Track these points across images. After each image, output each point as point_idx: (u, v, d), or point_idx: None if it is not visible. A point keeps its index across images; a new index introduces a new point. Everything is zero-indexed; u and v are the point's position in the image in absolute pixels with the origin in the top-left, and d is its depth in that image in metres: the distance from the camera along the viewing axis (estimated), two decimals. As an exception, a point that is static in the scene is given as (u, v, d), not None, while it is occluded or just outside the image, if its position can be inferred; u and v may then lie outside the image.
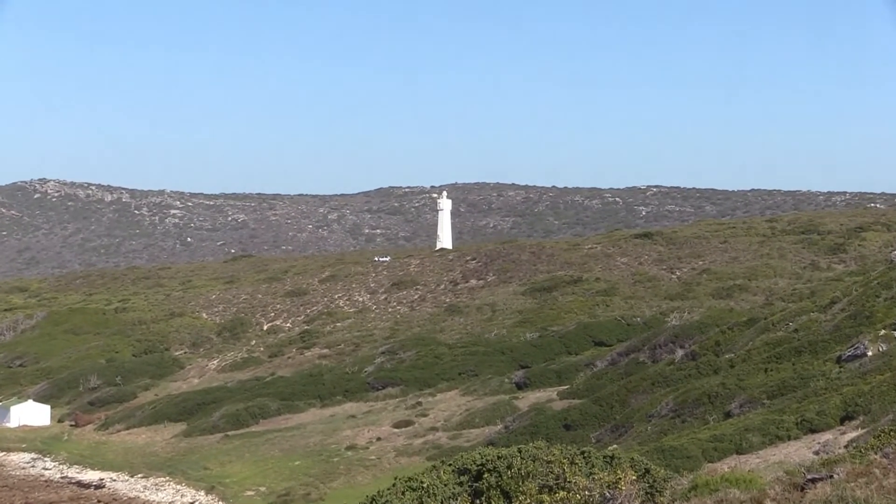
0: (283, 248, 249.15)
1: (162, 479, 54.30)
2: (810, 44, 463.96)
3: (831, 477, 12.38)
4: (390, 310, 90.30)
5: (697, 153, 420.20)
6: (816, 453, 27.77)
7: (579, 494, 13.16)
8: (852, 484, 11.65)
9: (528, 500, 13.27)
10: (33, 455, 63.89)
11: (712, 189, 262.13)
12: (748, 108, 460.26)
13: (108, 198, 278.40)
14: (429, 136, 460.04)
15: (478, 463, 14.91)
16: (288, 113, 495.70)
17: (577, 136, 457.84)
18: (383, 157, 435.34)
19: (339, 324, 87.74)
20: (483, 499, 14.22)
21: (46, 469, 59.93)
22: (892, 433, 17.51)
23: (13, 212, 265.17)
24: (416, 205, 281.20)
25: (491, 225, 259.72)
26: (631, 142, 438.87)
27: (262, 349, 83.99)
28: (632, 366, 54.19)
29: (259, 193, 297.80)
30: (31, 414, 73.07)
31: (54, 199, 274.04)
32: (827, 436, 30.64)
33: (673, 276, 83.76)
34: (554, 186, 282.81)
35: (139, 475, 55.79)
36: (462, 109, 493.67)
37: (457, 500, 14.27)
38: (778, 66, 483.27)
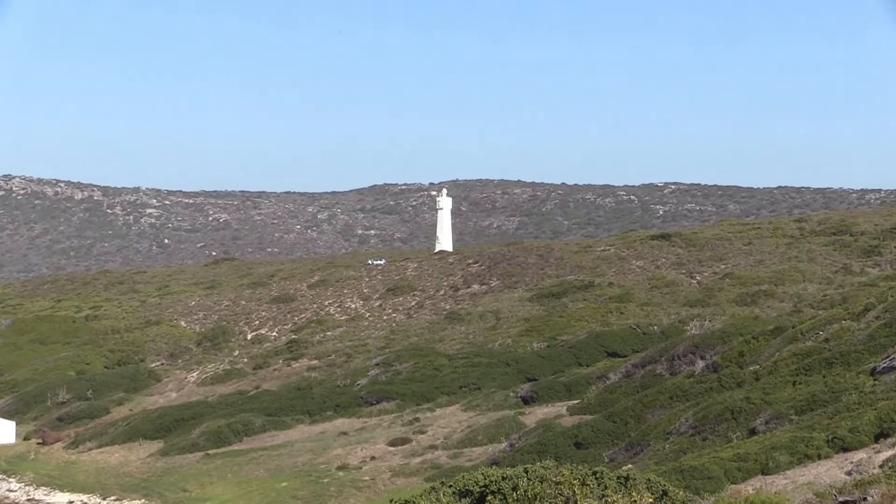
0: (269, 250, 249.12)
1: (137, 501, 54.30)
2: (844, 29, 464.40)
3: (864, 499, 12.42)
4: (385, 317, 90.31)
5: (719, 147, 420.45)
6: (849, 474, 27.79)
7: (591, 518, 13.19)
8: (887, 507, 11.67)
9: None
10: (-3, 476, 63.87)
11: (736, 186, 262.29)
12: (774, 98, 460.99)
13: (79, 196, 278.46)
14: (427, 129, 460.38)
15: (480, 484, 14.92)
16: (274, 103, 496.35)
17: (588, 129, 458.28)
18: (378, 151, 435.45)
19: (329, 333, 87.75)
20: (486, 523, 14.24)
21: (11, 491, 59.89)
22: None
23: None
24: (414, 203, 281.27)
25: (495, 225, 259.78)
26: (647, 135, 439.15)
27: (245, 360, 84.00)
28: (648, 378, 54.19)
29: (242, 191, 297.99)
30: (-5, 431, 73.04)
31: (20, 198, 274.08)
32: (860, 455, 30.64)
33: (693, 281, 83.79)
34: (563, 183, 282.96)
35: (112, 497, 55.78)
36: (464, 99, 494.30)
37: (458, 524, 14.29)
38: (808, 50, 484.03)
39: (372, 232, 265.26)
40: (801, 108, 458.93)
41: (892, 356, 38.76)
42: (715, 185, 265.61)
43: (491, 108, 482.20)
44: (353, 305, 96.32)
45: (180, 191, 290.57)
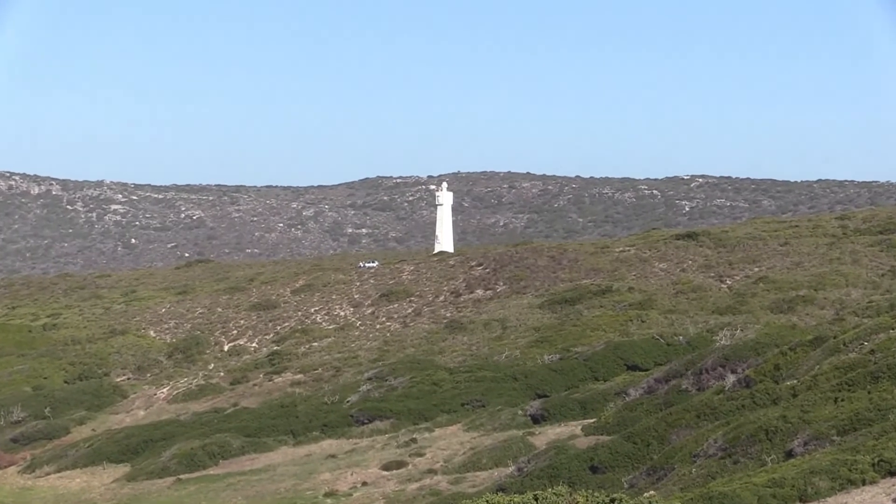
0: (248, 251, 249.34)
1: (100, 532, 54.27)
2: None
3: (914, 530, 12.45)
4: (378, 326, 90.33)
5: (752, 136, 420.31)
6: (897, 501, 27.79)
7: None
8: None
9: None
10: (-56, 503, 63.86)
11: (771, 179, 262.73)
12: (812, 81, 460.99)
13: (36, 190, 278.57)
14: (425, 115, 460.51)
15: (485, 513, 14.98)
16: (254, 87, 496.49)
17: (605, 115, 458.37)
18: (370, 139, 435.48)
19: (315, 343, 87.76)
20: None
21: (-41, 521, 59.86)
22: None
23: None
24: (410, 198, 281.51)
25: (501, 223, 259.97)
26: (671, 122, 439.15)
27: (222, 374, 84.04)
28: (672, 395, 54.20)
29: (218, 185, 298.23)
30: (-59, 453, 73.05)
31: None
32: (910, 480, 30.64)
33: (723, 286, 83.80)
34: (578, 176, 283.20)
35: (72, 528, 55.76)
36: (466, 82, 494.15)
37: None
38: (854, 28, 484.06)
39: (363, 231, 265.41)
40: (843, 92, 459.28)
41: (945, 370, 38.67)
42: (747, 179, 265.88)
43: (497, 92, 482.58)
44: (342, 313, 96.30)
45: (149, 185, 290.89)
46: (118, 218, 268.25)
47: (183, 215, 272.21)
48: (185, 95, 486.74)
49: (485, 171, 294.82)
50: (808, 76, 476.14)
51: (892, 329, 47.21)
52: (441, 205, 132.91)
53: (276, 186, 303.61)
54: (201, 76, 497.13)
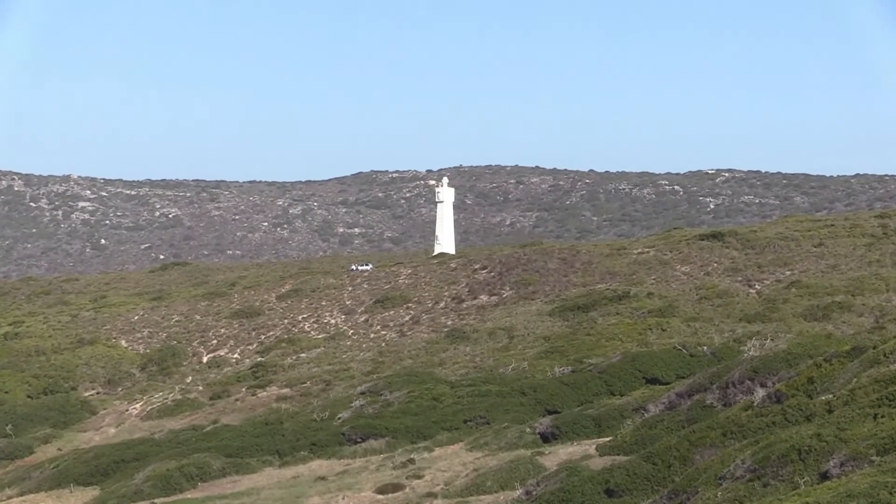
0: (229, 252, 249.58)
1: (67, 562, 54.33)
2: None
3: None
4: (373, 336, 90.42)
5: (783, 126, 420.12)
6: (943, 528, 27.80)
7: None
8: None
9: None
10: None
11: (804, 174, 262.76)
12: (848, 67, 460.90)
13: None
14: (424, 103, 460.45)
15: (490, 540, 15.02)
16: (235, 72, 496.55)
17: (622, 104, 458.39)
18: (363, 130, 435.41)
19: (303, 354, 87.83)
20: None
21: (-88, 549, 59.94)
22: None
23: None
24: (408, 195, 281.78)
25: (507, 222, 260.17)
26: (694, 111, 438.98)
27: (200, 388, 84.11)
28: (696, 411, 54.21)
29: (197, 180, 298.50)
30: None
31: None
32: (957, 504, 30.66)
33: (751, 291, 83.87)
34: (592, 171, 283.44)
35: (36, 557, 55.82)
36: (469, 67, 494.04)
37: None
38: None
39: (356, 230, 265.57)
40: (883, 78, 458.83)
41: None
42: (778, 173, 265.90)
43: (502, 79, 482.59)
44: (332, 321, 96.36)
45: (120, 180, 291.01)
46: (86, 216, 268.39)
47: (158, 213, 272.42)
48: (159, 82, 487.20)
49: (489, 165, 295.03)
50: (847, 59, 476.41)
51: (938, 338, 47.20)
52: (441, 202, 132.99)
53: (260, 182, 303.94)
54: (178, 61, 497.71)
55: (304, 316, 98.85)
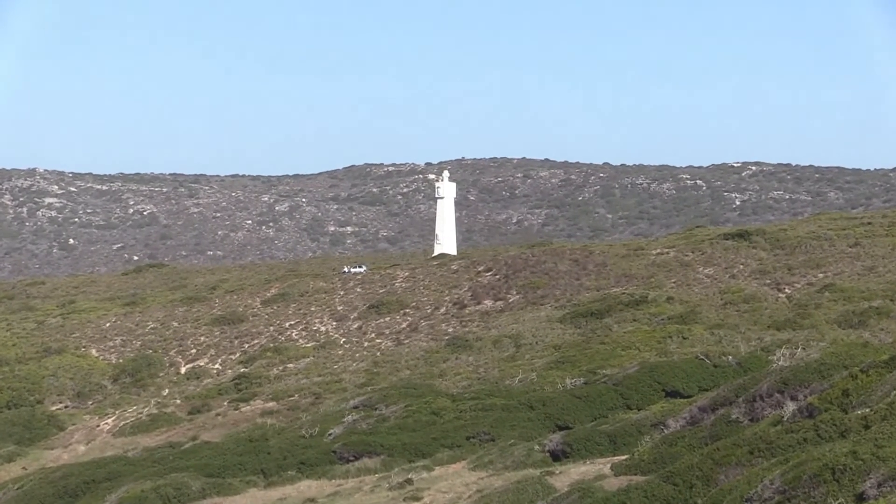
0: (210, 253, 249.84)
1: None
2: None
3: None
4: (367, 344, 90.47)
5: (815, 115, 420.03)
6: None
7: None
8: None
9: None
10: None
11: (838, 167, 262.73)
12: (888, 44, 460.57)
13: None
14: (423, 89, 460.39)
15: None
16: (216, 57, 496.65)
17: (638, 90, 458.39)
18: (356, 119, 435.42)
19: (291, 365, 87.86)
20: None
21: None
22: None
23: None
24: (405, 190, 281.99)
25: (514, 220, 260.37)
26: (717, 98, 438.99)
27: (178, 402, 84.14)
28: (720, 426, 54.23)
29: (174, 174, 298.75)
30: None
31: None
32: None
33: (780, 296, 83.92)
34: (606, 164, 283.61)
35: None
36: (472, 50, 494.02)
37: None
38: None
39: (348, 229, 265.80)
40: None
41: None
42: (810, 166, 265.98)
43: (508, 63, 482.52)
44: (323, 328, 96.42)
45: (90, 174, 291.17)
46: (53, 214, 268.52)
47: (131, 210, 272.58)
48: (132, 67, 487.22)
49: (494, 158, 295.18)
50: (887, 40, 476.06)
51: (985, 347, 47.15)
52: (442, 198, 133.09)
53: (244, 176, 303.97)
54: (153, 45, 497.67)
55: (292, 323, 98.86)
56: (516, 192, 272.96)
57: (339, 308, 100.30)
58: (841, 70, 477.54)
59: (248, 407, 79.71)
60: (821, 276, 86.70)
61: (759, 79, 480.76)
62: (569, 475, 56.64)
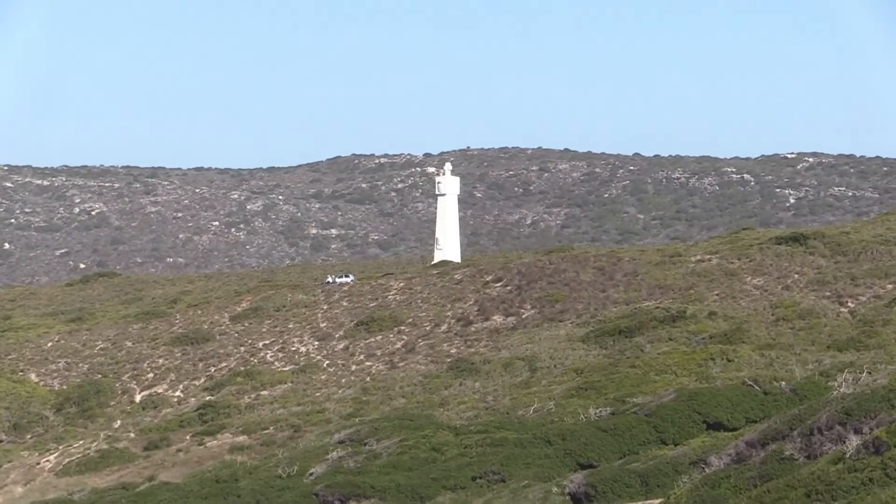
0: (169, 260, 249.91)
1: None
2: None
3: None
4: (354, 368, 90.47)
5: (881, 97, 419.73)
6: None
7: None
8: None
9: None
10: None
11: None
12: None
13: None
14: (420, 69, 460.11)
15: None
16: (176, 32, 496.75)
17: (674, 70, 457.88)
18: (341, 103, 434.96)
19: (265, 392, 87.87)
20: None
21: None
22: None
23: None
24: (399, 186, 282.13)
25: (528, 220, 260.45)
26: (767, 78, 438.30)
27: (132, 436, 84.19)
28: (772, 464, 54.29)
29: (127, 166, 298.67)
30: None
31: None
32: None
33: (842, 310, 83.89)
34: (637, 155, 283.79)
35: None
36: (477, 22, 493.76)
37: None
38: None
39: (333, 231, 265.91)
40: None
41: None
42: (877, 158, 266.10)
43: (521, 36, 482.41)
44: (303, 349, 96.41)
45: (29, 166, 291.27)
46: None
47: (77, 210, 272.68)
48: (80, 42, 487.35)
49: (505, 148, 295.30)
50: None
51: None
52: (443, 195, 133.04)
53: (210, 169, 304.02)
54: (108, 19, 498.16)
55: (266, 342, 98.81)
56: (531, 187, 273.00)
57: (321, 325, 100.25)
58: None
59: (215, 441, 79.73)
60: (889, 287, 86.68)
61: (816, 55, 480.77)
62: (593, 522, 56.65)
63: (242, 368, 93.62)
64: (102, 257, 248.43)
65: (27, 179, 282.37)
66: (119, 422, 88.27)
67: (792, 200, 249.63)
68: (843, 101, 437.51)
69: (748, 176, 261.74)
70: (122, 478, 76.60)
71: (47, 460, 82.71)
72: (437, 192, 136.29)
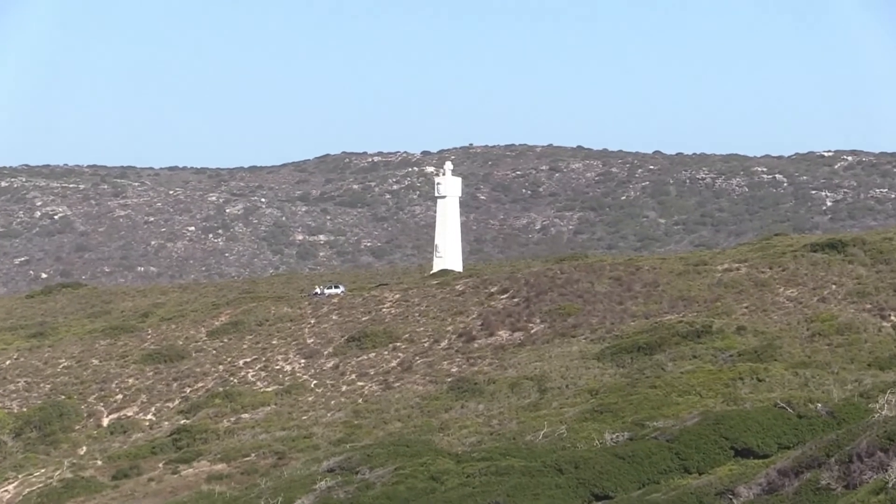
0: (140, 269, 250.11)
1: None
2: None
3: None
4: (345, 388, 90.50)
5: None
6: None
7: None
8: None
9: None
10: None
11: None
12: None
13: None
14: (417, 58, 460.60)
15: None
16: (148, 21, 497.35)
17: (699, 62, 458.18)
18: (330, 97, 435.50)
19: (246, 415, 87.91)
20: None
21: None
22: None
23: None
24: (395, 187, 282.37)
25: (537, 225, 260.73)
26: (801, 69, 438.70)
27: (99, 463, 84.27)
28: (807, 494, 54.39)
29: (93, 166, 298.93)
30: None
31: None
32: None
33: (885, 325, 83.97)
34: (657, 153, 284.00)
35: None
36: (483, 12, 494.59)
37: None
38: None
39: (321, 237, 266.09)
40: None
41: None
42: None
43: (530, 27, 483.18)
44: (287, 367, 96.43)
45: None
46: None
47: (38, 213, 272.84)
48: (40, 30, 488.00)
49: (511, 146, 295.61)
50: None
51: None
52: (443, 197, 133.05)
53: (185, 168, 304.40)
54: (66, 6, 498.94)
55: (248, 360, 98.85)
56: (540, 189, 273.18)
57: (308, 341, 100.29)
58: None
59: (191, 470, 79.77)
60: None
61: (854, 46, 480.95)
62: (609, 559, 56.72)
63: (221, 389, 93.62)
64: (66, 266, 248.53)
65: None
66: (85, 448, 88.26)
67: (829, 203, 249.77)
68: (885, 93, 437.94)
69: (780, 176, 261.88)
70: (87, 510, 76.68)
71: (5, 490, 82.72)
72: (436, 194, 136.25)
